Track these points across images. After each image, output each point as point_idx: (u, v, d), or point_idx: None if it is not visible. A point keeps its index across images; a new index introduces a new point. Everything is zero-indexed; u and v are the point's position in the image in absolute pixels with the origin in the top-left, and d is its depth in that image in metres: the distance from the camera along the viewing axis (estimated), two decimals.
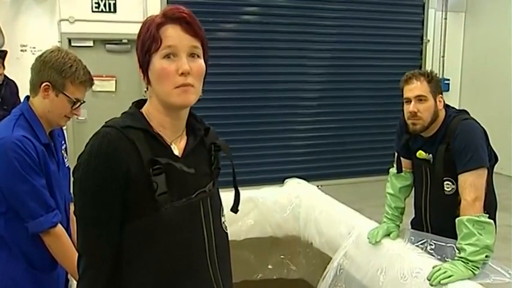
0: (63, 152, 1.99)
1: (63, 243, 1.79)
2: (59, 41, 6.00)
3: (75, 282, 1.69)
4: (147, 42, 1.16)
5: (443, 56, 7.87)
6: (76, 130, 6.08)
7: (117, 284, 1.17)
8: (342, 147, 7.39)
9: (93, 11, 6.19)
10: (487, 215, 2.04)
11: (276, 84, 7.02)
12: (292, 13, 6.95)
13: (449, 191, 2.25)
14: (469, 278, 1.90)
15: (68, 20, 6.08)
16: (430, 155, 2.30)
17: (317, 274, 2.60)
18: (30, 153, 1.70)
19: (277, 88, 7.03)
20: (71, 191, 1.44)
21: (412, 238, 2.24)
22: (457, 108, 2.37)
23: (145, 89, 1.22)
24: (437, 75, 2.33)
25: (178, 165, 1.16)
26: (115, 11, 6.26)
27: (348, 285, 2.35)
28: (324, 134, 7.30)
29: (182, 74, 1.14)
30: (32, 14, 5.99)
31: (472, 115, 2.30)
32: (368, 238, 2.34)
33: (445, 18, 7.82)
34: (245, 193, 2.83)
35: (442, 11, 7.81)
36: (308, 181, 3.21)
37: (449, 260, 2.02)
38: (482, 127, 2.23)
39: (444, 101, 2.29)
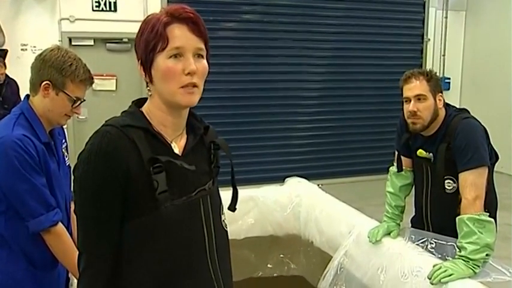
0: (63, 150, 1.98)
1: (64, 242, 1.79)
2: (59, 40, 6.00)
3: (75, 281, 1.69)
4: (152, 41, 1.15)
5: (443, 55, 7.86)
6: (76, 129, 6.08)
7: (117, 283, 1.17)
8: (343, 146, 7.38)
9: (93, 10, 6.18)
10: (488, 214, 2.04)
11: (277, 83, 7.02)
12: (293, 12, 6.95)
13: (450, 190, 2.25)
14: (469, 277, 1.90)
15: (68, 19, 6.08)
16: (431, 154, 2.30)
17: (317, 273, 2.60)
18: (30, 152, 1.70)
19: (277, 87, 7.03)
20: (72, 189, 1.44)
21: (413, 237, 2.25)
22: (457, 107, 2.37)
23: (147, 87, 1.22)
24: (438, 74, 2.33)
25: (179, 163, 1.16)
26: (115, 10, 6.26)
27: (348, 284, 2.35)
28: (324, 133, 7.30)
29: (189, 73, 1.14)
30: (33, 13, 5.99)
31: (472, 114, 2.30)
32: (368, 237, 2.34)
33: (446, 17, 7.81)
34: (245, 192, 2.86)
35: (443, 10, 7.80)
36: (308, 180, 3.22)
37: (450, 259, 2.02)
38: (482, 126, 2.23)
39: (444, 100, 2.29)
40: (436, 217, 2.39)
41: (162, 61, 1.15)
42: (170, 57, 1.14)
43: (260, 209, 2.90)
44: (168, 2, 6.38)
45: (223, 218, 1.31)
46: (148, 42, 1.16)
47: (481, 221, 1.99)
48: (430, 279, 1.90)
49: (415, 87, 2.22)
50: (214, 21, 6.59)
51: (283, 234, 2.95)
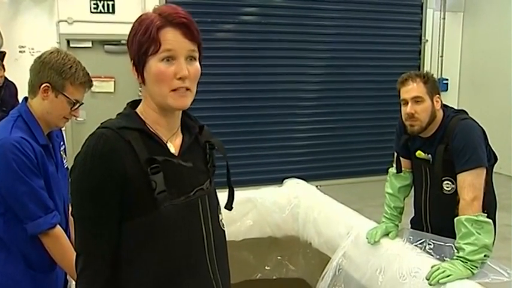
0: (62, 153, 1.98)
1: (62, 244, 1.79)
2: (57, 42, 6.00)
3: (74, 283, 1.69)
4: (145, 44, 1.15)
5: (441, 56, 7.87)
6: (75, 131, 6.08)
7: (116, 283, 1.17)
8: (341, 147, 7.38)
9: (91, 12, 6.18)
10: (486, 215, 2.04)
11: (275, 84, 7.02)
12: (291, 13, 6.95)
13: (448, 191, 2.25)
14: (467, 278, 1.90)
15: (66, 20, 6.08)
16: (429, 155, 2.30)
17: (316, 274, 2.60)
18: (28, 155, 1.70)
19: (276, 88, 7.03)
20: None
21: (411, 238, 2.25)
22: (455, 108, 2.38)
23: (139, 88, 1.22)
24: (436, 75, 2.34)
25: (176, 161, 1.17)
26: (113, 12, 6.25)
27: (346, 285, 2.35)
28: (323, 134, 7.30)
29: (180, 78, 1.15)
30: (31, 15, 5.99)
31: (470, 115, 2.31)
32: (367, 238, 2.34)
33: (444, 18, 7.83)
34: (244, 193, 2.85)
35: (441, 11, 7.81)
36: (307, 181, 3.21)
37: (448, 260, 2.02)
38: (481, 127, 2.23)
39: (442, 101, 2.29)
40: (434, 218, 2.40)
41: (154, 64, 1.15)
42: (162, 60, 1.15)
43: (258, 210, 2.89)
44: (166, 3, 6.38)
45: (221, 218, 1.32)
46: (141, 44, 1.16)
47: (479, 221, 1.99)
48: (428, 280, 1.90)
49: (412, 89, 2.23)
50: (213, 23, 6.60)
51: (282, 235, 2.94)
